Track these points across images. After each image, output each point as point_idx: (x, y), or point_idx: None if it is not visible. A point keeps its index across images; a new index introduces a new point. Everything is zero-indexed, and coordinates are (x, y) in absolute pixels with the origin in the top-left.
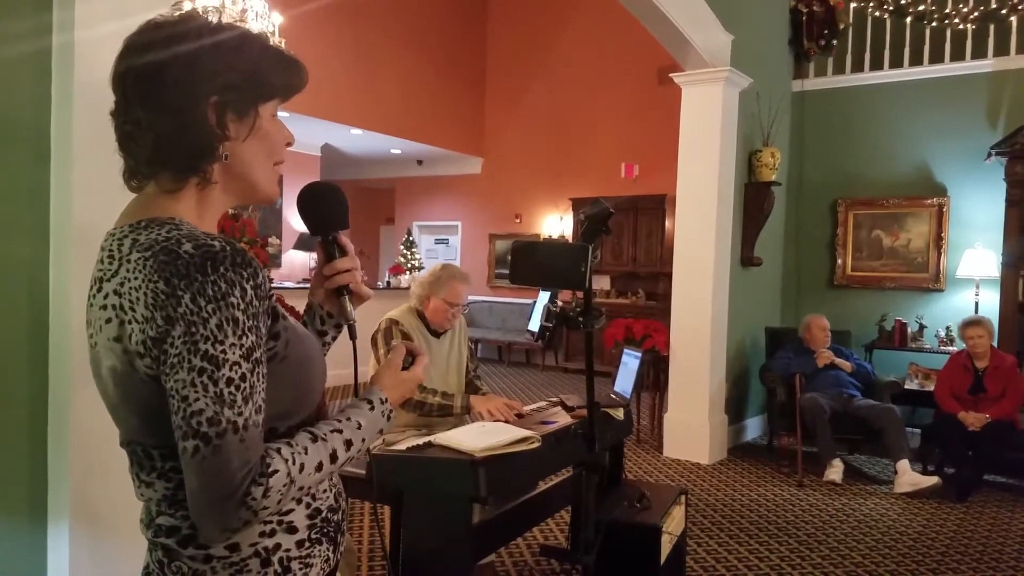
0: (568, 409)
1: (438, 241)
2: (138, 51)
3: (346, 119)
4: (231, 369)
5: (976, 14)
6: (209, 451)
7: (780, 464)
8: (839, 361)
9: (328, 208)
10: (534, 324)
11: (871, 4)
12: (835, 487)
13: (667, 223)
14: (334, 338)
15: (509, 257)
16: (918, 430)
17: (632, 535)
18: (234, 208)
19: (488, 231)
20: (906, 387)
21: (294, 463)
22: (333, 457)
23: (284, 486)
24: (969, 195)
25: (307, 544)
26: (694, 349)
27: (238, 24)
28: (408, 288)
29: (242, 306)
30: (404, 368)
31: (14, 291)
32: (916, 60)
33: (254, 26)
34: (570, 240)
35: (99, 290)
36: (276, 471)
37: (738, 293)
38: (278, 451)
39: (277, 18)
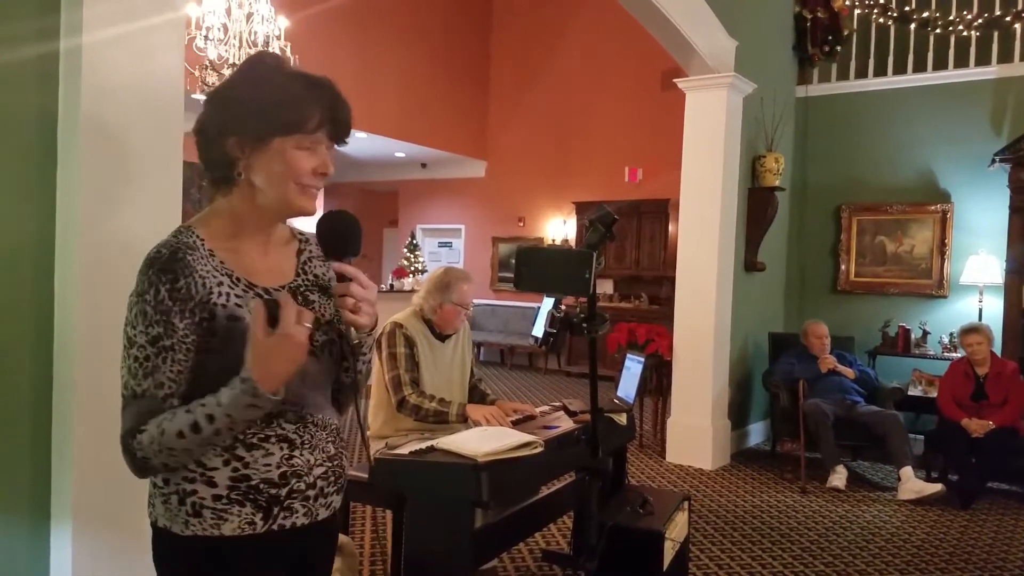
0: (571, 414)
1: (441, 244)
2: (207, 95)
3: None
4: (138, 350)
5: (980, 21)
6: (122, 406)
7: (783, 470)
8: (842, 368)
9: (338, 238)
10: (538, 330)
11: (875, 11)
12: (838, 493)
13: (670, 227)
14: (368, 347)
15: (513, 262)
16: (921, 437)
17: (635, 541)
18: (281, 220)
19: (491, 234)
20: (909, 393)
21: (159, 428)
22: (195, 428)
23: (150, 444)
24: (973, 201)
25: (224, 501)
26: (697, 354)
27: (275, 60)
28: (411, 291)
29: (152, 303)
30: (278, 314)
31: (20, 291)
32: (920, 66)
33: (288, 57)
34: (573, 244)
35: None
36: (145, 431)
37: (741, 298)
38: (158, 418)
39: (283, 22)
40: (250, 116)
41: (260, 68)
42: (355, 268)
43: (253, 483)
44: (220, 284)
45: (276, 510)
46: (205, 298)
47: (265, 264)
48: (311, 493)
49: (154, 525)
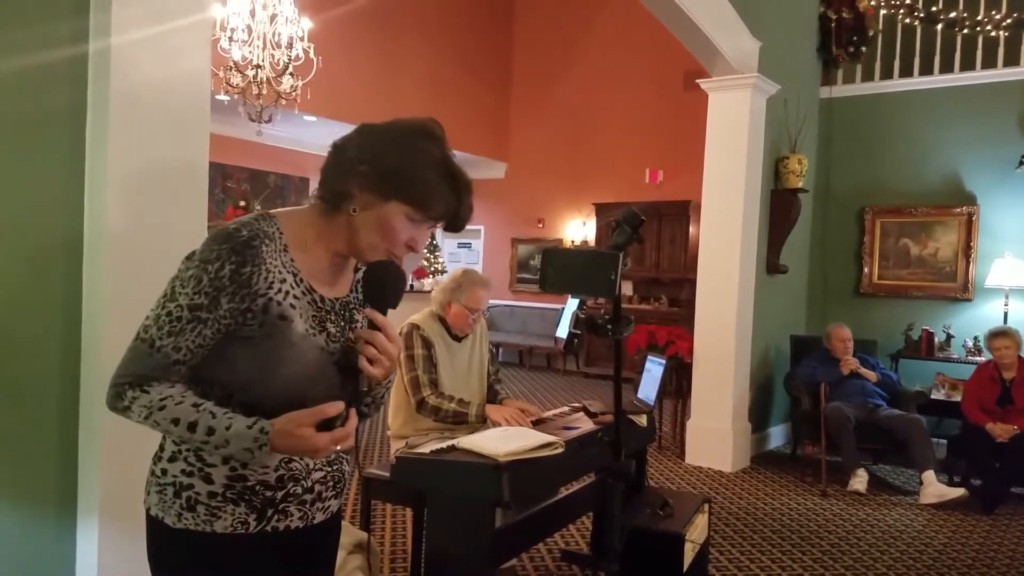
0: (591, 415)
1: (461, 245)
2: (367, 126)
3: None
4: (175, 308)
5: (1009, 21)
6: (132, 345)
7: (804, 473)
8: (864, 371)
9: (384, 290)
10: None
11: (901, 11)
12: (859, 497)
13: (691, 229)
14: (380, 395)
15: (535, 262)
16: (944, 441)
17: (655, 543)
18: (344, 253)
19: (511, 235)
20: (932, 397)
21: (159, 402)
22: (191, 427)
23: (144, 407)
24: (999, 204)
25: (219, 498)
26: (718, 356)
27: (439, 136)
28: (431, 292)
29: (211, 275)
30: (330, 428)
31: (49, 289)
32: (947, 67)
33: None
34: (594, 245)
35: None
36: (146, 394)
37: (763, 301)
38: (169, 386)
39: (306, 23)
40: (389, 173)
41: (421, 136)
42: (386, 320)
43: (249, 484)
44: (283, 281)
45: (270, 512)
46: (263, 291)
47: (329, 275)
48: (308, 497)
49: (148, 513)
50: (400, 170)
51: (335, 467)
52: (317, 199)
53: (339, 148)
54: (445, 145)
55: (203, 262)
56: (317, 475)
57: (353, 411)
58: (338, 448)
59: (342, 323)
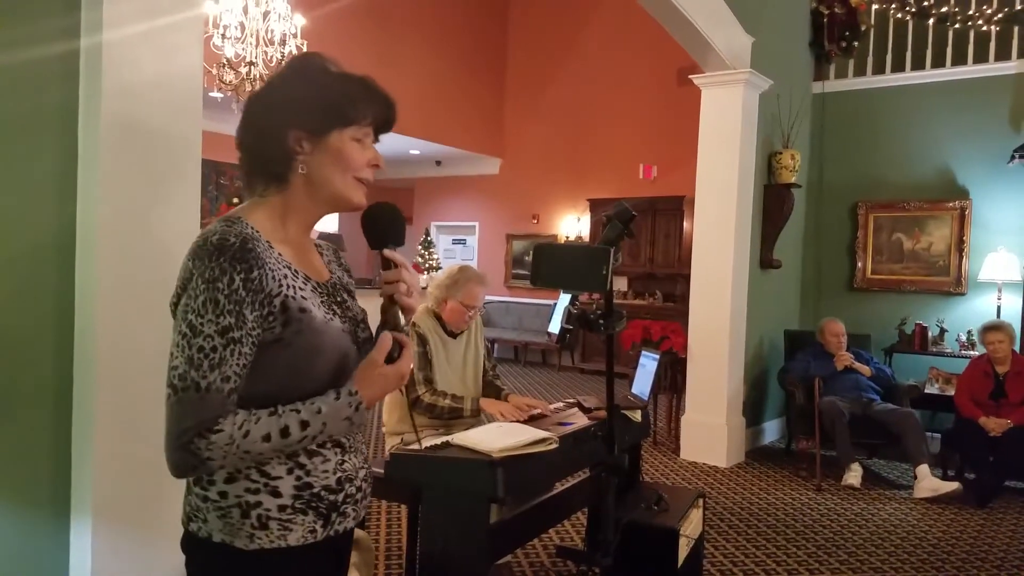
0: (585, 410)
1: (456, 241)
2: (253, 95)
3: None
4: (204, 340)
5: (1000, 16)
6: (175, 400)
7: (798, 468)
8: (858, 365)
9: (381, 227)
10: (554, 326)
11: (893, 6)
12: (854, 491)
13: (685, 224)
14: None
15: (529, 258)
16: (938, 435)
17: (649, 537)
18: (331, 213)
19: (506, 231)
20: (926, 391)
21: (240, 428)
22: (284, 432)
23: (226, 445)
24: (992, 198)
25: (289, 510)
26: (712, 351)
27: (324, 59)
28: (425, 288)
29: (226, 292)
30: (393, 360)
31: (41, 288)
32: (938, 62)
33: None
34: (588, 241)
35: None
36: (221, 431)
37: (757, 295)
38: (234, 415)
39: (299, 20)
40: (312, 111)
41: (312, 66)
42: (402, 256)
43: (315, 491)
44: (285, 276)
45: (334, 516)
46: (276, 291)
47: (307, 261)
48: (359, 496)
49: (206, 541)
50: (318, 99)
51: (368, 464)
52: (262, 191)
53: (252, 127)
54: (333, 62)
55: (210, 282)
56: (362, 473)
57: (404, 337)
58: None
59: (344, 304)
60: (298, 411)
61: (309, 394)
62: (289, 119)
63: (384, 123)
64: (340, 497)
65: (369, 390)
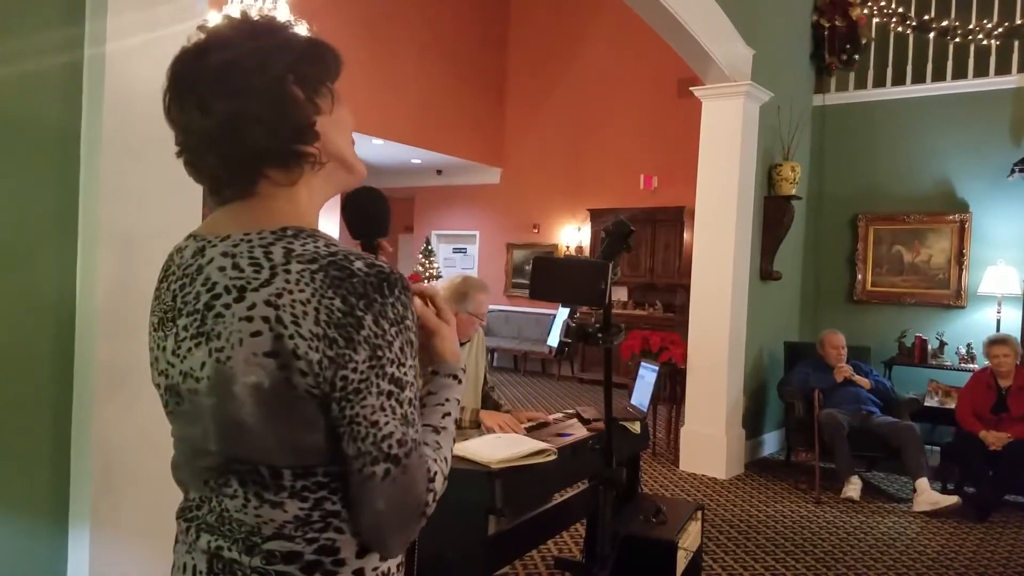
0: (584, 421)
1: (456, 250)
2: (198, 55)
3: (367, 129)
4: (410, 390)
5: (1000, 30)
6: (399, 472)
7: (797, 480)
8: (858, 378)
9: (368, 213)
10: (553, 339)
11: (894, 19)
12: (853, 504)
13: (685, 235)
14: None
15: (530, 268)
16: (937, 448)
17: (648, 550)
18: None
19: (506, 240)
20: (926, 404)
21: (441, 460)
22: (451, 439)
23: (441, 485)
24: (992, 212)
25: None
26: (712, 362)
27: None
28: None
29: (413, 328)
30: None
31: (42, 295)
32: (939, 76)
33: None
34: (588, 251)
35: (237, 299)
36: (436, 473)
37: (756, 307)
38: (429, 454)
39: (301, 30)
40: (311, 60)
41: (279, 29)
42: (425, 287)
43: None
44: None
45: None
46: None
47: None
48: None
49: None
50: (309, 46)
51: None
52: (300, 167)
53: (250, 100)
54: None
55: (400, 321)
56: None
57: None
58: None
59: None
60: (448, 413)
61: None
62: (296, 73)
63: (336, 75)
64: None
65: (452, 345)
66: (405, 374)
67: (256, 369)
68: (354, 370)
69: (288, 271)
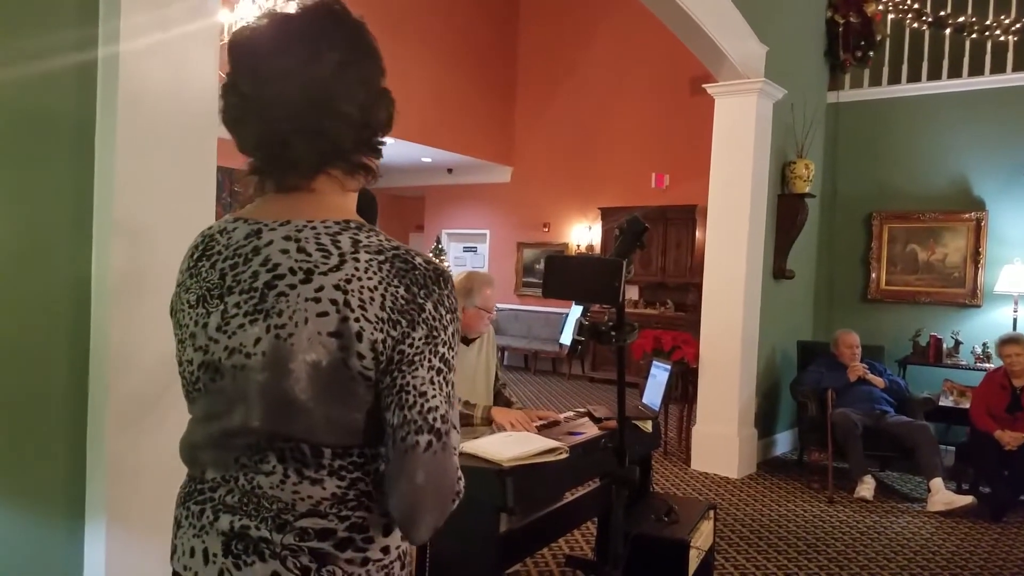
0: (595, 420)
1: (466, 249)
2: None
3: None
4: (453, 374)
5: (1018, 26)
6: (440, 447)
7: (810, 480)
8: (872, 377)
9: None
10: (566, 337)
11: (909, 15)
12: (866, 504)
13: (697, 233)
14: None
15: (540, 267)
16: (952, 448)
17: (660, 549)
18: None
19: (516, 239)
20: (940, 404)
21: (455, 442)
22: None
23: (462, 484)
24: (1008, 210)
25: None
26: (724, 361)
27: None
28: None
29: (459, 322)
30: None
31: (57, 294)
32: (955, 72)
33: None
34: (598, 250)
35: (304, 280)
36: (459, 468)
37: (769, 306)
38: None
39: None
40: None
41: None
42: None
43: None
44: None
45: None
46: None
47: None
48: None
49: None
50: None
51: None
52: (356, 174)
53: (357, 87)
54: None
55: (452, 311)
56: None
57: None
58: None
59: None
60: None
61: None
62: (379, 65)
63: None
64: None
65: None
66: (453, 359)
67: (318, 347)
68: (411, 345)
69: (357, 259)
